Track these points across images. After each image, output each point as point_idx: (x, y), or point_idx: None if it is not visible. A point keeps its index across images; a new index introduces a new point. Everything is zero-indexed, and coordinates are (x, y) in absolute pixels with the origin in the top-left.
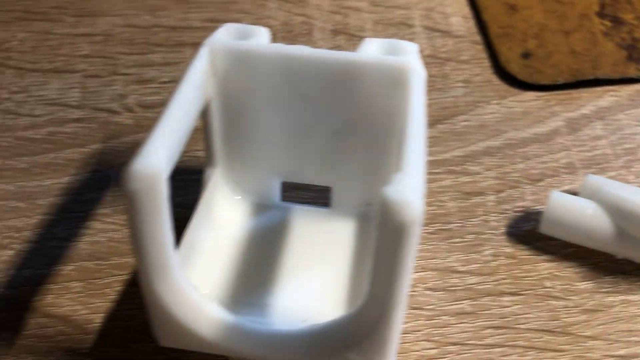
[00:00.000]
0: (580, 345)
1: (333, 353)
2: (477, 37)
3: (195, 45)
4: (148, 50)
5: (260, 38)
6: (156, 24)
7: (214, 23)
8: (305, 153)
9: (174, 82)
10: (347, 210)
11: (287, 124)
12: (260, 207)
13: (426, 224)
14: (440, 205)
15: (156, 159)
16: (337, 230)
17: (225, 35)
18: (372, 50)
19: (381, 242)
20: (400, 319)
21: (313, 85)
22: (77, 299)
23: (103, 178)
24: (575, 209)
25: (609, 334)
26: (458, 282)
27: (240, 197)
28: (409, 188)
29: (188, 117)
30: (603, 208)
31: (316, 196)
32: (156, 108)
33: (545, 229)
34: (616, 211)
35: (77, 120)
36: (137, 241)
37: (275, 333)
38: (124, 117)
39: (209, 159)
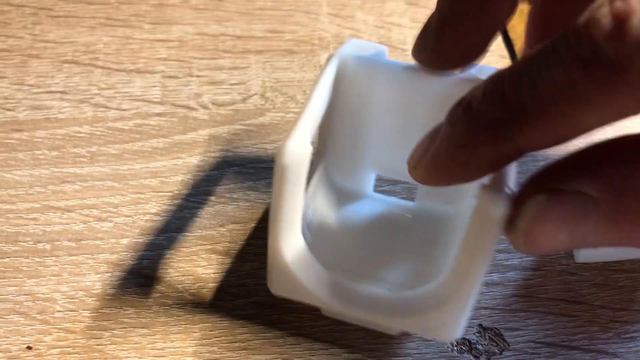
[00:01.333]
0: (591, 312)
1: (412, 316)
2: (504, 52)
3: (259, 53)
4: (217, 56)
5: (380, 54)
6: (223, 32)
7: (274, 33)
8: (404, 154)
9: (242, 84)
10: (428, 205)
11: (395, 129)
12: (355, 196)
13: None
14: None
15: (303, 142)
16: (418, 221)
17: (351, 49)
18: (471, 72)
19: (473, 229)
20: (474, 295)
21: (423, 97)
22: (169, 264)
23: (186, 164)
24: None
25: (615, 304)
26: None
27: (340, 185)
28: (501, 189)
29: (319, 113)
30: None
31: (401, 191)
32: (228, 106)
33: (581, 260)
34: None
35: (160, 114)
36: (277, 206)
37: (368, 294)
38: (200, 113)
39: (319, 151)
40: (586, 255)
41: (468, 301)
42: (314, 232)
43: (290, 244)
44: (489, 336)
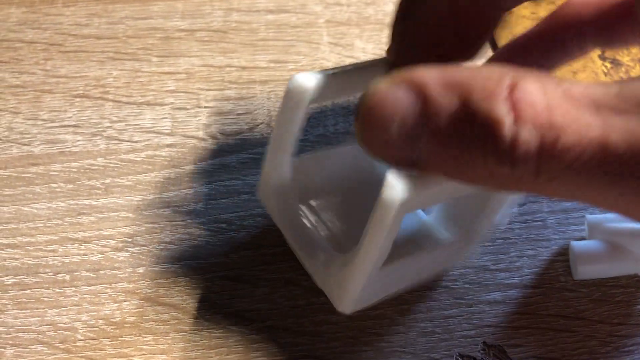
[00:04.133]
0: (590, 327)
1: (323, 274)
2: None
3: (264, 83)
4: (224, 87)
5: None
6: (229, 64)
7: (278, 63)
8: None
9: (249, 113)
10: None
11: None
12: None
13: None
14: None
15: (310, 77)
16: None
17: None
18: None
19: (374, 211)
20: (364, 274)
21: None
22: (184, 291)
23: (197, 193)
24: (596, 252)
25: (613, 319)
26: (490, 277)
27: None
28: (406, 179)
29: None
30: (617, 240)
31: None
32: (235, 135)
33: (579, 277)
34: (626, 240)
35: (170, 145)
36: (275, 125)
37: (312, 241)
38: (209, 143)
39: None
40: (584, 272)
41: (357, 277)
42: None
43: (278, 163)
44: (493, 353)
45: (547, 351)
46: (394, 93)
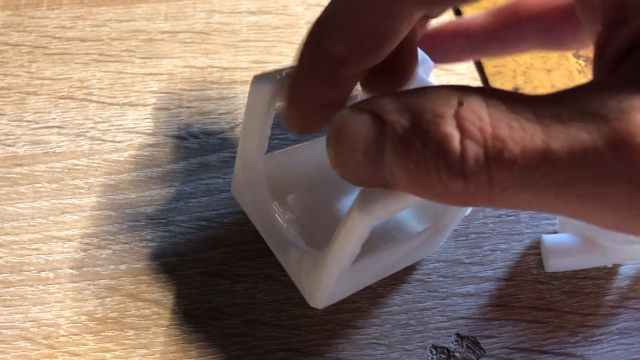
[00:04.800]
0: (560, 318)
1: (294, 268)
2: (476, 74)
3: (245, 83)
4: (206, 87)
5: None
6: (211, 64)
7: (259, 64)
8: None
9: (230, 113)
10: None
11: None
12: None
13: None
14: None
15: (273, 78)
16: None
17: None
18: None
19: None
20: (335, 272)
21: None
22: (166, 287)
23: (179, 191)
24: (567, 246)
25: (583, 310)
26: (464, 271)
27: None
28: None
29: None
30: (587, 232)
31: None
32: (217, 135)
33: (550, 270)
34: (596, 233)
35: (152, 145)
36: (244, 125)
37: (281, 232)
38: (190, 142)
39: None
40: (554, 265)
41: (327, 276)
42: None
43: (248, 161)
44: (466, 344)
45: (519, 342)
46: (357, 120)
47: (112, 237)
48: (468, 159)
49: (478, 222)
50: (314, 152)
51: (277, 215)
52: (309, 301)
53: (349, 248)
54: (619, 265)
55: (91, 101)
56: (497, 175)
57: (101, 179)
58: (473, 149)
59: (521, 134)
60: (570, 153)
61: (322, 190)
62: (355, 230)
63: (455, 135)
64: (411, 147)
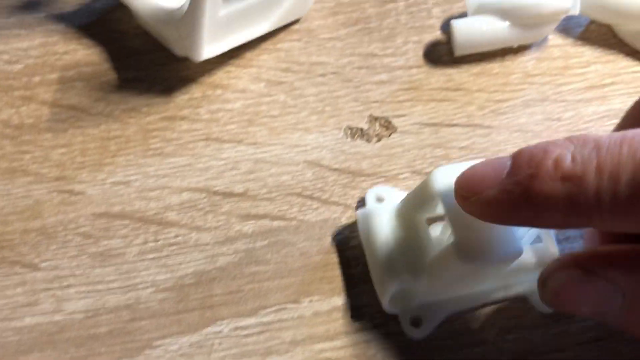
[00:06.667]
0: (469, 96)
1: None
2: None
3: None
4: None
5: None
6: None
7: None
8: None
9: None
10: None
11: None
12: None
13: (352, 24)
14: (363, 11)
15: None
16: None
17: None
18: None
19: None
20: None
21: None
22: (82, 93)
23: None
24: (476, 28)
25: (490, 88)
26: (377, 63)
27: None
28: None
29: None
30: (494, 16)
31: None
32: None
33: (459, 52)
34: (505, 13)
35: None
36: None
37: None
38: None
39: None
40: (462, 46)
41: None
42: None
43: None
44: (378, 124)
45: (429, 118)
46: (588, 285)
47: (23, 53)
48: None
49: (391, 19)
50: None
51: None
52: (190, 56)
53: None
54: (525, 45)
55: None
56: None
57: None
58: None
59: None
60: None
61: None
62: None
63: None
64: None
